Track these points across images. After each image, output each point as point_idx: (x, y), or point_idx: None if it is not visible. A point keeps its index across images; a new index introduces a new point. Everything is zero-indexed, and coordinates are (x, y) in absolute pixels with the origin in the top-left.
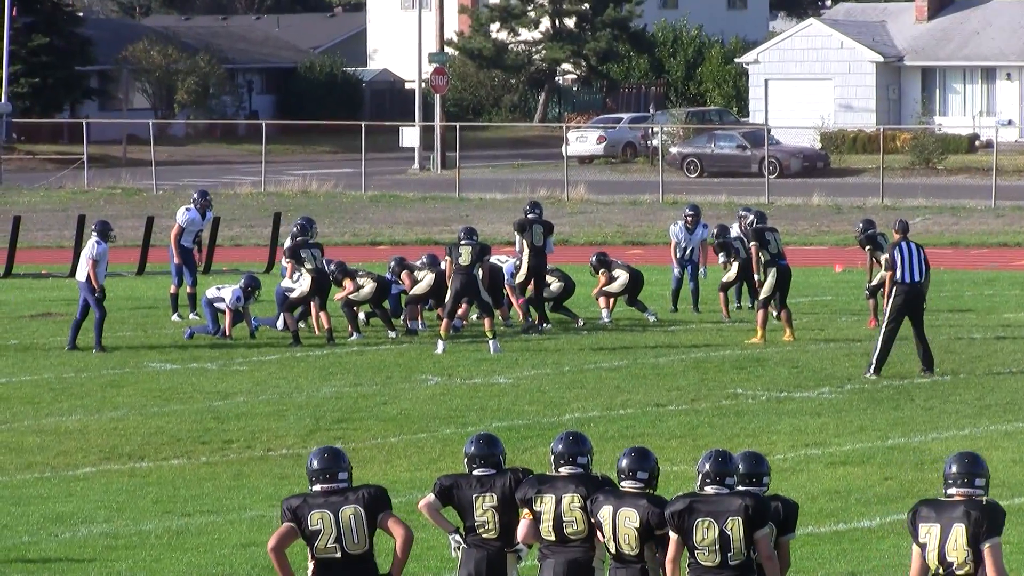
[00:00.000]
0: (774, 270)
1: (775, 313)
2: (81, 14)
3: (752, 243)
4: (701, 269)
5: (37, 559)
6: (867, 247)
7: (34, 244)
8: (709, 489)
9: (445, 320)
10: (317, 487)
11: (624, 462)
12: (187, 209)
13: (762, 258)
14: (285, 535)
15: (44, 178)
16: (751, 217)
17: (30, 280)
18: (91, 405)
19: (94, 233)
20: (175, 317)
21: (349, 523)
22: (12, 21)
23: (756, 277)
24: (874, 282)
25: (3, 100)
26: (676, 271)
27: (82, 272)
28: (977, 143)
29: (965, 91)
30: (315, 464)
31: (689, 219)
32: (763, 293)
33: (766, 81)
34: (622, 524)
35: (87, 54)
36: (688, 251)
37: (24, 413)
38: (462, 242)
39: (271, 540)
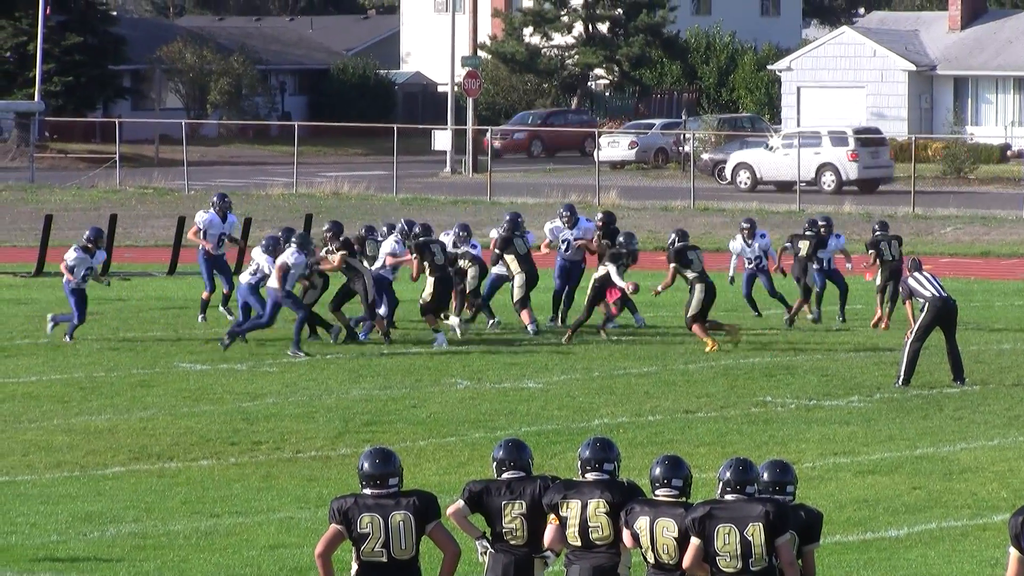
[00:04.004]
0: (702, 286)
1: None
2: (115, 13)
3: (672, 264)
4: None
5: (66, 558)
6: (870, 250)
7: (66, 243)
8: (729, 497)
9: (430, 316)
10: (367, 490)
11: (658, 470)
12: (205, 211)
13: (689, 275)
14: (332, 539)
15: (76, 177)
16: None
17: (61, 278)
18: (121, 404)
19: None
20: (200, 319)
21: (398, 529)
22: (46, 19)
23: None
24: (879, 281)
25: (36, 99)
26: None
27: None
28: (1009, 153)
29: (997, 101)
30: (366, 468)
31: (746, 231)
32: (692, 310)
33: (798, 88)
34: (660, 534)
35: (120, 53)
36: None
37: (54, 412)
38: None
39: (319, 545)
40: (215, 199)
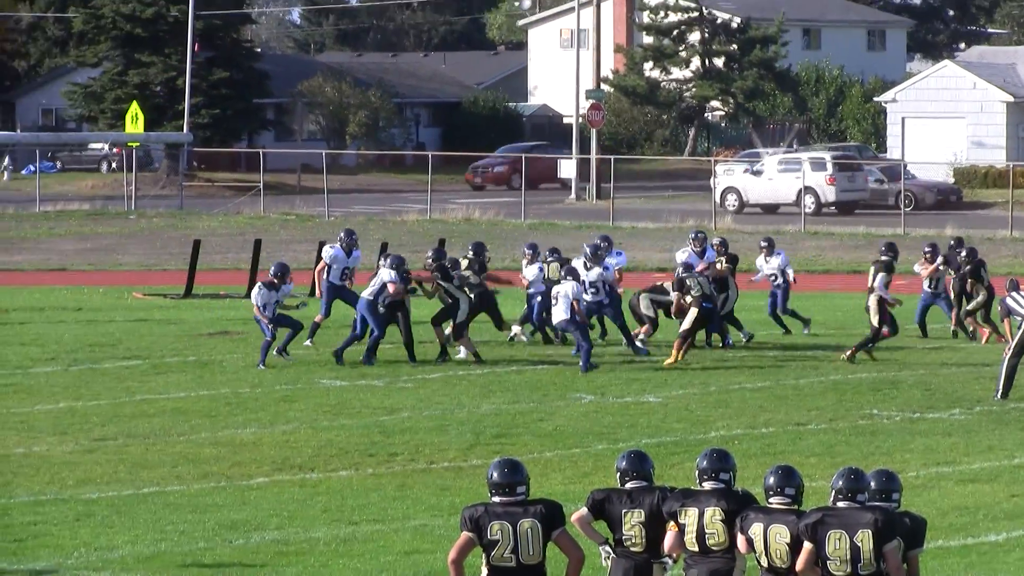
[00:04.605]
0: (697, 309)
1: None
2: (259, 50)
3: (674, 292)
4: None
5: (212, 564)
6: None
7: (213, 266)
8: (841, 504)
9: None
10: (496, 498)
11: (772, 479)
12: (332, 247)
13: (688, 299)
14: (464, 546)
15: (222, 204)
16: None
17: (209, 300)
18: (265, 419)
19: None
20: (308, 343)
21: (526, 535)
22: (194, 56)
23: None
24: (970, 306)
25: (185, 130)
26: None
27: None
28: None
29: None
30: (495, 477)
31: (764, 249)
32: (684, 326)
33: (903, 119)
34: (773, 540)
35: (264, 88)
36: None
37: (202, 425)
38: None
39: (452, 552)
40: (342, 235)
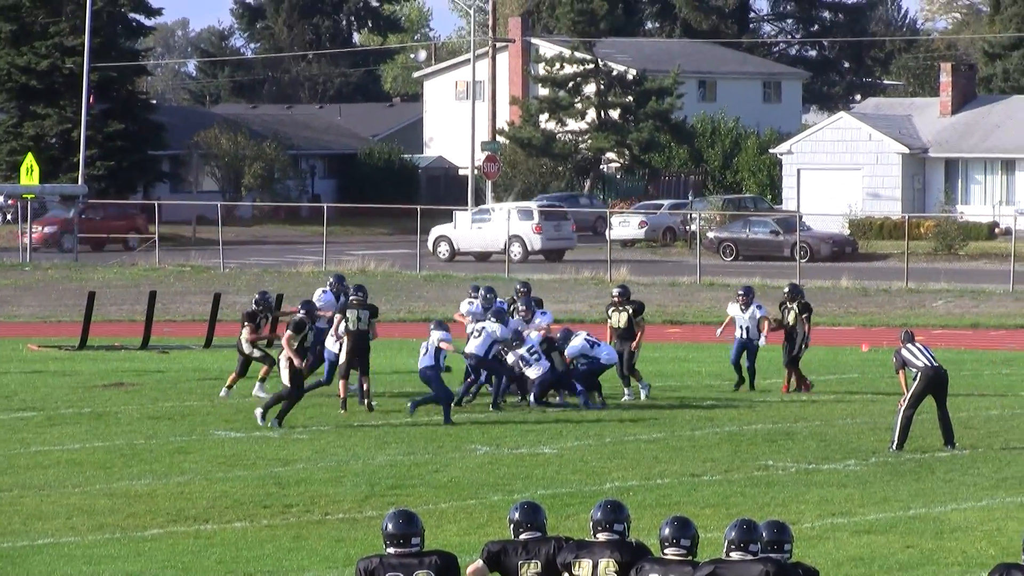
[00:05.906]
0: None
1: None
2: (154, 101)
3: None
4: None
5: None
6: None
7: (108, 318)
8: (735, 555)
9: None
10: (391, 550)
11: (667, 531)
12: (323, 291)
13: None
14: None
15: (117, 256)
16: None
17: (104, 352)
18: (159, 470)
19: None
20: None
21: None
22: (89, 108)
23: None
24: (796, 351)
25: (80, 182)
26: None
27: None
28: (996, 230)
29: (986, 181)
30: (390, 528)
31: (741, 299)
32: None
33: (798, 170)
34: None
35: (160, 139)
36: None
37: (96, 477)
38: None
39: None
40: (332, 280)
